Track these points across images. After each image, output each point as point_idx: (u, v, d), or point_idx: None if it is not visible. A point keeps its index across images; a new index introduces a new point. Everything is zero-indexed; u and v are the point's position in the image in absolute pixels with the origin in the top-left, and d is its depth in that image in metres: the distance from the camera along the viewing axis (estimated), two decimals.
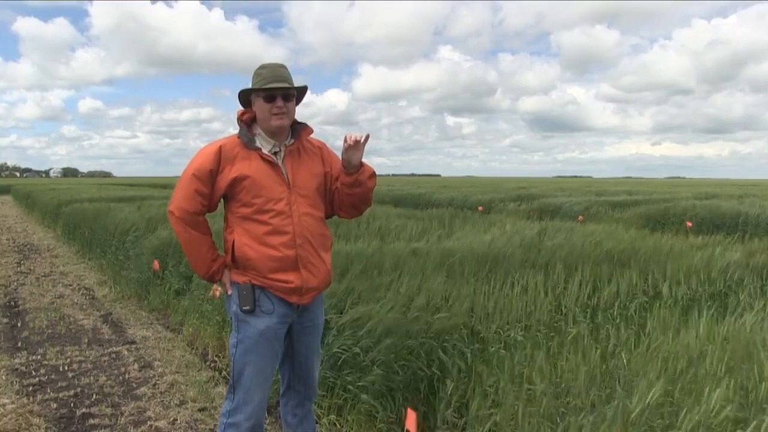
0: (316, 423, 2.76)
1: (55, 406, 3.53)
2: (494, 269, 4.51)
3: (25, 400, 3.60)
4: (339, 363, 3.07)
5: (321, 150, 2.44)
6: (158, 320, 5.52)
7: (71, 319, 5.61)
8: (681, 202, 13.24)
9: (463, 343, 3.07)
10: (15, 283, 7.41)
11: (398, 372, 2.92)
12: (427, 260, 4.62)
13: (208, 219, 2.35)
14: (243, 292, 2.25)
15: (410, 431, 2.50)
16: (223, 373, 4.00)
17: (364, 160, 2.32)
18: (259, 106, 2.26)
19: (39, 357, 4.45)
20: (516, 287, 4.00)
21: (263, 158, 2.25)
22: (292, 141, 2.33)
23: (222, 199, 2.32)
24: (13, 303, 6.31)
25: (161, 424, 3.25)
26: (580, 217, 12.20)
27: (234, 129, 2.32)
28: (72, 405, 3.54)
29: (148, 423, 3.27)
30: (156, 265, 5.60)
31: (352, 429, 2.95)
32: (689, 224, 10.17)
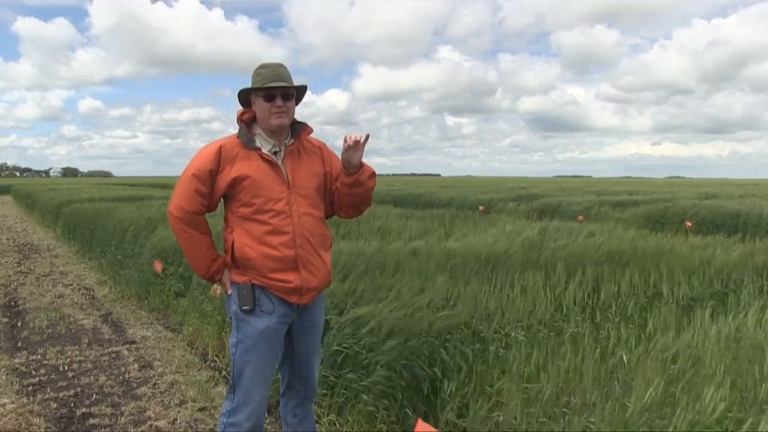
0: (316, 423, 2.76)
1: (55, 405, 3.53)
2: (495, 269, 4.51)
3: (25, 399, 3.60)
4: (339, 361, 3.07)
5: (321, 150, 2.44)
6: (158, 320, 5.52)
7: (71, 318, 5.61)
8: (681, 202, 13.24)
9: (465, 343, 3.07)
10: (15, 283, 7.41)
11: (401, 372, 2.92)
12: (428, 260, 4.62)
13: (208, 219, 2.35)
14: (243, 292, 2.25)
15: None
16: (223, 372, 4.00)
17: (363, 160, 2.32)
18: (259, 105, 2.26)
19: (39, 357, 4.45)
20: (516, 287, 4.00)
21: (263, 158, 2.25)
22: (292, 141, 2.33)
23: (222, 199, 2.32)
24: (13, 303, 6.31)
25: (161, 423, 3.25)
26: (580, 217, 12.20)
27: (234, 129, 2.32)
28: (72, 405, 3.54)
29: (148, 423, 3.27)
30: (158, 266, 5.59)
31: (352, 429, 2.95)
32: (689, 224, 10.18)
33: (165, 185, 34.66)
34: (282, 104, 2.23)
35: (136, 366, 4.22)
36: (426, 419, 2.90)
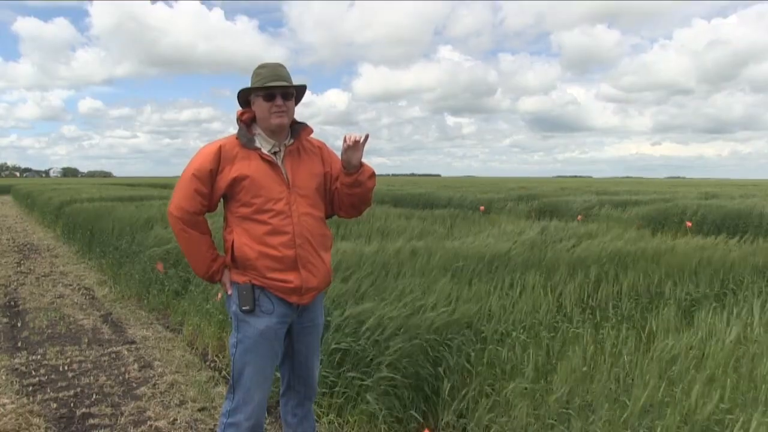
0: (316, 423, 2.76)
1: (55, 406, 3.53)
2: (497, 270, 4.51)
3: (25, 399, 3.60)
4: (338, 361, 3.07)
5: (321, 150, 2.43)
6: (158, 320, 5.52)
7: (71, 319, 5.61)
8: (681, 202, 13.23)
9: (467, 343, 3.07)
10: (15, 283, 7.40)
11: (404, 372, 2.92)
12: (429, 261, 4.61)
13: (208, 219, 2.35)
14: (243, 292, 2.24)
15: None
16: (223, 373, 3.99)
17: (363, 160, 2.32)
18: (259, 105, 2.26)
19: (39, 357, 4.45)
20: (517, 287, 4.00)
21: (263, 158, 2.25)
22: (292, 141, 2.33)
23: (222, 199, 2.31)
24: (13, 303, 6.31)
25: (161, 424, 3.25)
26: (579, 217, 12.20)
27: (234, 129, 2.32)
28: (72, 405, 3.54)
29: (148, 423, 3.26)
30: (160, 266, 5.59)
31: (352, 429, 2.95)
32: (689, 224, 10.17)
33: (165, 185, 34.66)
34: (282, 104, 2.23)
35: (136, 366, 4.21)
36: (426, 419, 2.90)
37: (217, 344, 4.37)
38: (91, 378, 3.99)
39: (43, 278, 7.73)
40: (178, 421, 3.28)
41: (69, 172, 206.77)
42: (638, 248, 5.43)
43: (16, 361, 4.35)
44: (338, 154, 2.36)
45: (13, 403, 3.53)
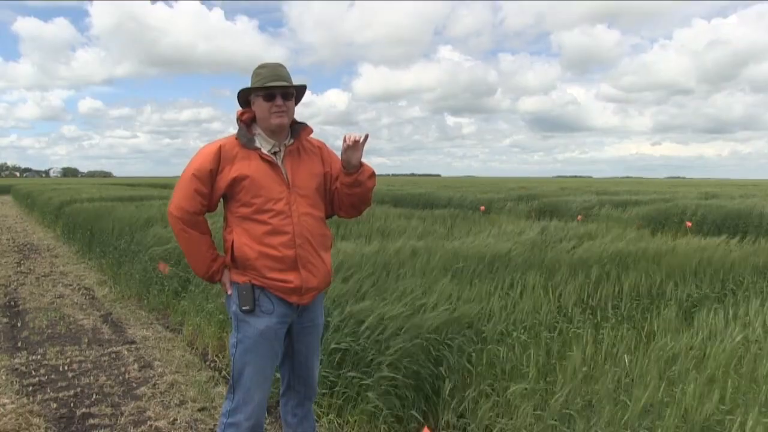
0: (316, 422, 2.75)
1: (55, 405, 3.53)
2: (497, 270, 4.51)
3: (25, 399, 3.60)
4: (338, 361, 3.07)
5: (321, 150, 2.43)
6: (158, 320, 5.52)
7: (71, 319, 5.61)
8: (681, 202, 13.23)
9: (468, 343, 3.07)
10: (15, 283, 7.40)
11: (405, 371, 2.92)
12: (429, 261, 4.61)
13: (208, 219, 2.35)
14: (243, 292, 2.24)
15: None
16: (223, 373, 3.99)
17: (363, 160, 2.32)
18: (259, 105, 2.25)
19: (39, 357, 4.45)
20: (517, 287, 4.00)
21: (263, 158, 2.25)
22: (292, 141, 2.33)
23: (221, 199, 2.31)
24: (13, 303, 6.30)
25: (161, 424, 3.25)
26: (579, 217, 12.20)
27: (234, 129, 2.32)
28: (72, 405, 3.54)
29: (148, 423, 3.26)
30: (162, 267, 5.58)
31: (352, 429, 2.95)
32: (689, 224, 10.17)
33: (165, 185, 34.66)
34: (282, 104, 2.23)
35: (136, 366, 4.21)
36: (426, 419, 2.90)
37: (217, 344, 4.37)
38: (91, 378, 3.99)
39: (43, 278, 7.73)
40: (178, 421, 3.28)
41: (69, 172, 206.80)
42: (639, 249, 5.43)
43: (16, 361, 4.35)
44: (338, 154, 2.36)
45: (13, 403, 3.53)
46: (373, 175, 2.37)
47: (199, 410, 3.43)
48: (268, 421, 3.14)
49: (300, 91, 2.35)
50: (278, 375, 2.57)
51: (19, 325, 5.41)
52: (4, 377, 3.99)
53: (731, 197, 16.54)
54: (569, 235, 6.80)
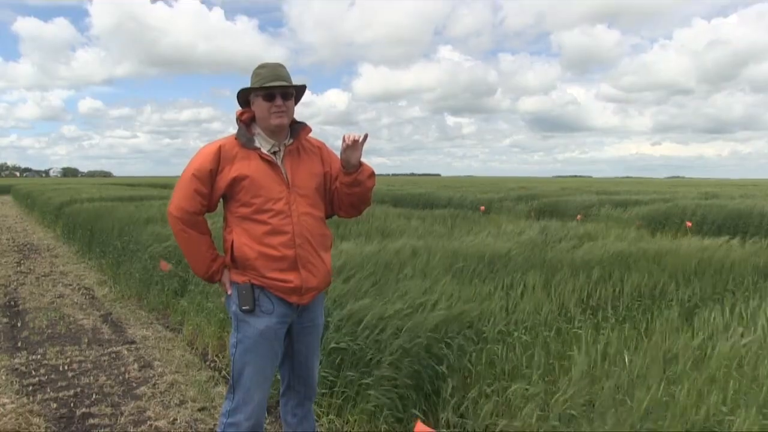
0: (316, 422, 2.75)
1: (55, 405, 3.53)
2: (498, 270, 4.51)
3: (25, 399, 3.60)
4: (338, 361, 3.06)
5: (320, 150, 2.43)
6: (158, 320, 5.52)
7: (71, 318, 5.60)
8: (681, 202, 13.22)
9: (469, 343, 3.06)
10: (15, 283, 7.40)
11: (406, 371, 2.91)
12: (429, 261, 4.61)
13: (208, 219, 2.35)
14: (242, 292, 2.24)
15: None
16: (223, 372, 3.99)
17: (362, 159, 2.32)
18: (259, 105, 2.25)
19: (39, 357, 4.45)
20: (518, 287, 4.00)
21: (262, 158, 2.25)
22: (291, 141, 2.33)
23: (221, 199, 2.31)
24: (13, 303, 6.30)
25: (161, 423, 3.25)
26: (579, 216, 12.20)
27: (234, 129, 2.32)
28: (72, 405, 3.54)
29: (148, 423, 3.26)
30: (164, 265, 5.57)
31: (352, 429, 2.95)
32: (689, 224, 10.17)
33: (165, 185, 34.66)
34: (282, 104, 2.23)
35: (135, 366, 4.21)
36: (426, 418, 2.89)
37: (217, 344, 4.37)
38: (91, 378, 3.99)
39: (43, 278, 7.73)
40: (178, 421, 3.28)
41: (69, 172, 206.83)
42: (639, 249, 5.42)
43: (16, 361, 4.35)
44: (337, 153, 2.36)
45: (13, 402, 3.53)
46: (372, 174, 2.37)
47: (199, 410, 3.43)
48: (268, 421, 3.14)
49: (300, 91, 2.35)
50: (278, 375, 2.56)
51: (19, 325, 5.41)
52: (4, 377, 3.99)
53: (731, 197, 16.53)
54: (569, 235, 6.79)
